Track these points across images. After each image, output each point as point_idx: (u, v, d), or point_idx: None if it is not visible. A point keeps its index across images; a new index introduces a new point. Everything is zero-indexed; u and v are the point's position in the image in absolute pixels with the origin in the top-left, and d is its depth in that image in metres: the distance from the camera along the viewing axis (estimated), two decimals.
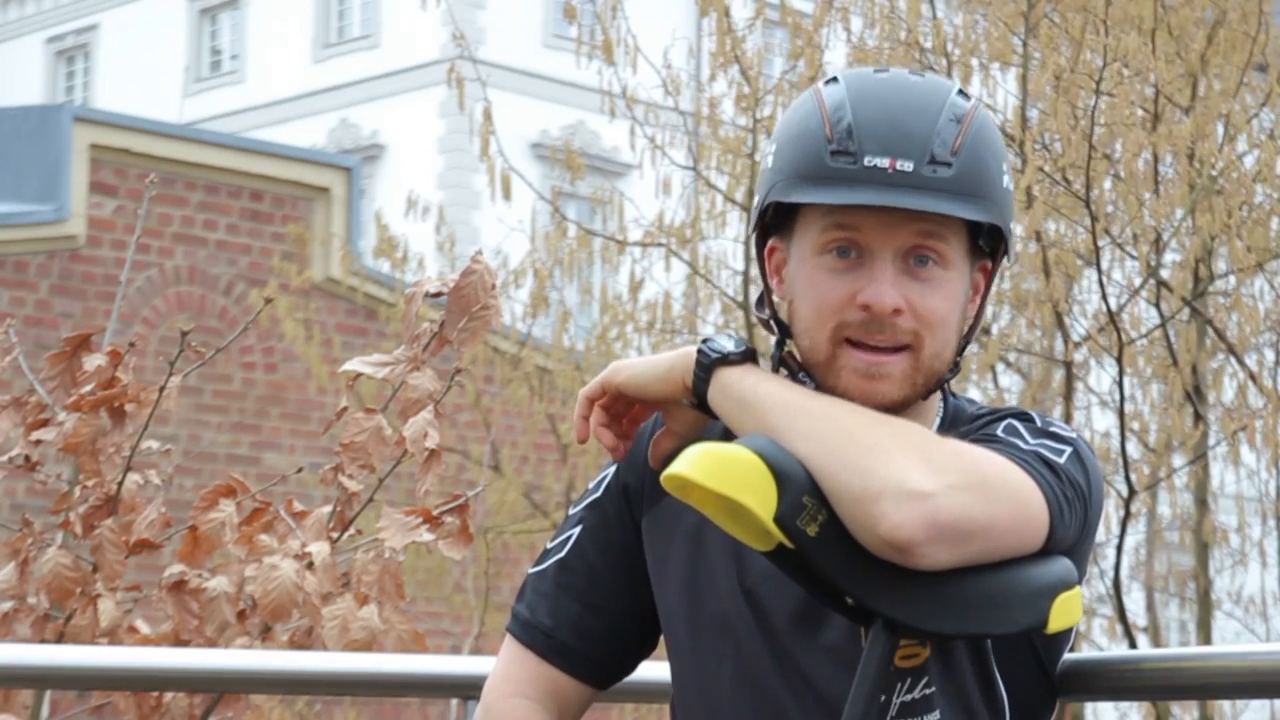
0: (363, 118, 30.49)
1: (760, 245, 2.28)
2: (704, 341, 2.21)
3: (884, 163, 2.13)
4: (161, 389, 4.01)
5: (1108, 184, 8.95)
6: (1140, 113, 8.88)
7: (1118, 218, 9.02)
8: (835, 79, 2.22)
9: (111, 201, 11.62)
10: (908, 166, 2.13)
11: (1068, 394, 9.04)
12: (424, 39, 27.96)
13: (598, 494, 2.36)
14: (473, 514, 3.89)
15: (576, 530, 2.36)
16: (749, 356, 2.19)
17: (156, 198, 10.93)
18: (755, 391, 2.14)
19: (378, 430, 3.83)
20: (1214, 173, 8.74)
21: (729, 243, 10.18)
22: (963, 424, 2.25)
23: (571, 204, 15.18)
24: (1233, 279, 9.40)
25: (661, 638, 2.35)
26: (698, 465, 2.02)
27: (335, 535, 3.93)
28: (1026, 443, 2.15)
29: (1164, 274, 9.25)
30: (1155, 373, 9.58)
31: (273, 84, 32.09)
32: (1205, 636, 9.96)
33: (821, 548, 2.03)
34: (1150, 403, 10.02)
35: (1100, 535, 9.53)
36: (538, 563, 2.37)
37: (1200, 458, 9.50)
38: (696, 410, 2.22)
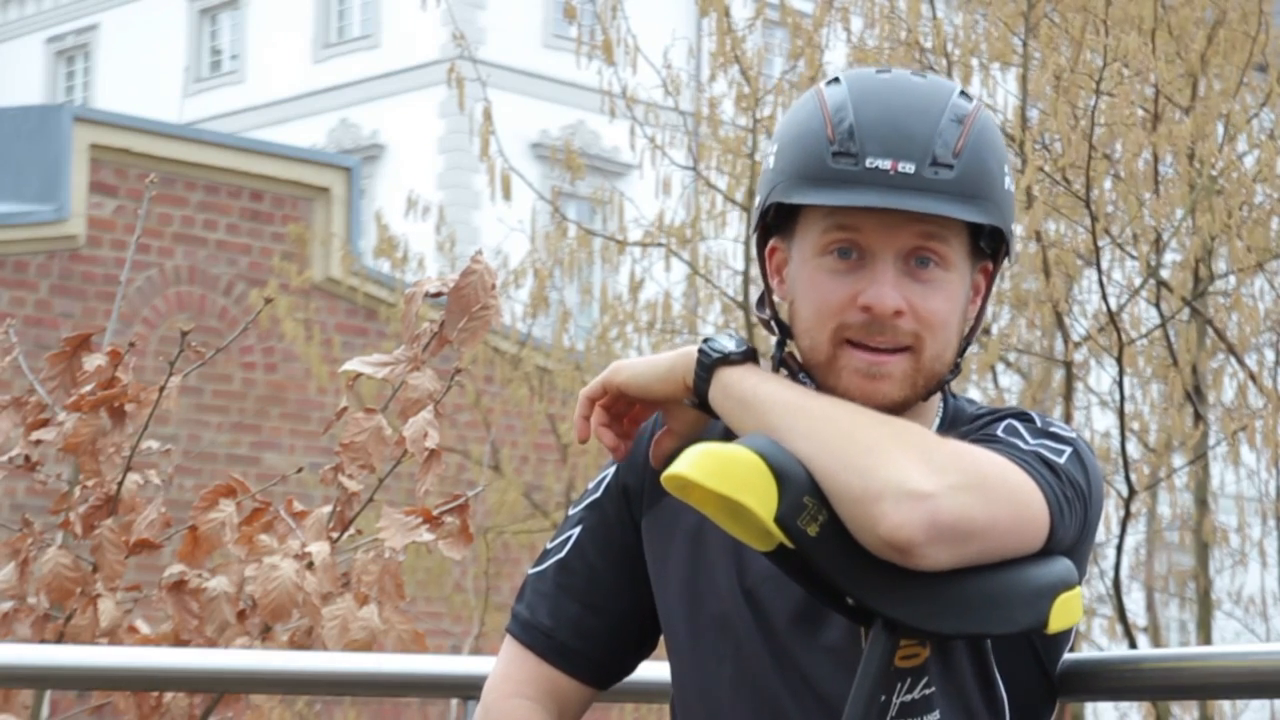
0: (363, 118, 30.49)
1: (761, 245, 2.28)
2: (705, 341, 2.21)
3: (886, 164, 2.13)
4: (161, 389, 4.01)
5: (1108, 184, 8.96)
6: (1140, 113, 8.88)
7: (1118, 218, 9.02)
8: (837, 79, 2.21)
9: (111, 201, 11.62)
10: (909, 168, 2.13)
11: (1068, 394, 9.04)
12: (424, 39, 27.96)
13: (597, 494, 2.36)
14: (473, 514, 3.89)
15: (576, 531, 2.36)
16: (750, 356, 2.19)
17: (156, 198, 10.93)
18: (756, 391, 2.14)
19: (378, 430, 3.83)
20: (1214, 173, 8.74)
21: (729, 243, 10.18)
22: (962, 424, 2.25)
23: (571, 204, 15.18)
24: (1233, 279, 9.40)
25: (661, 638, 2.35)
26: (698, 465, 2.02)
27: (335, 535, 3.93)
28: (1026, 443, 2.15)
29: (1164, 274, 9.25)
30: (1155, 373, 9.58)
31: (273, 84, 32.09)
32: (1205, 636, 9.96)
33: (822, 548, 2.03)
34: (1150, 403, 10.02)
35: (1100, 535, 9.53)
36: (537, 563, 2.37)
37: (1200, 458, 9.50)
38: (697, 410, 2.22)
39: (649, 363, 2.25)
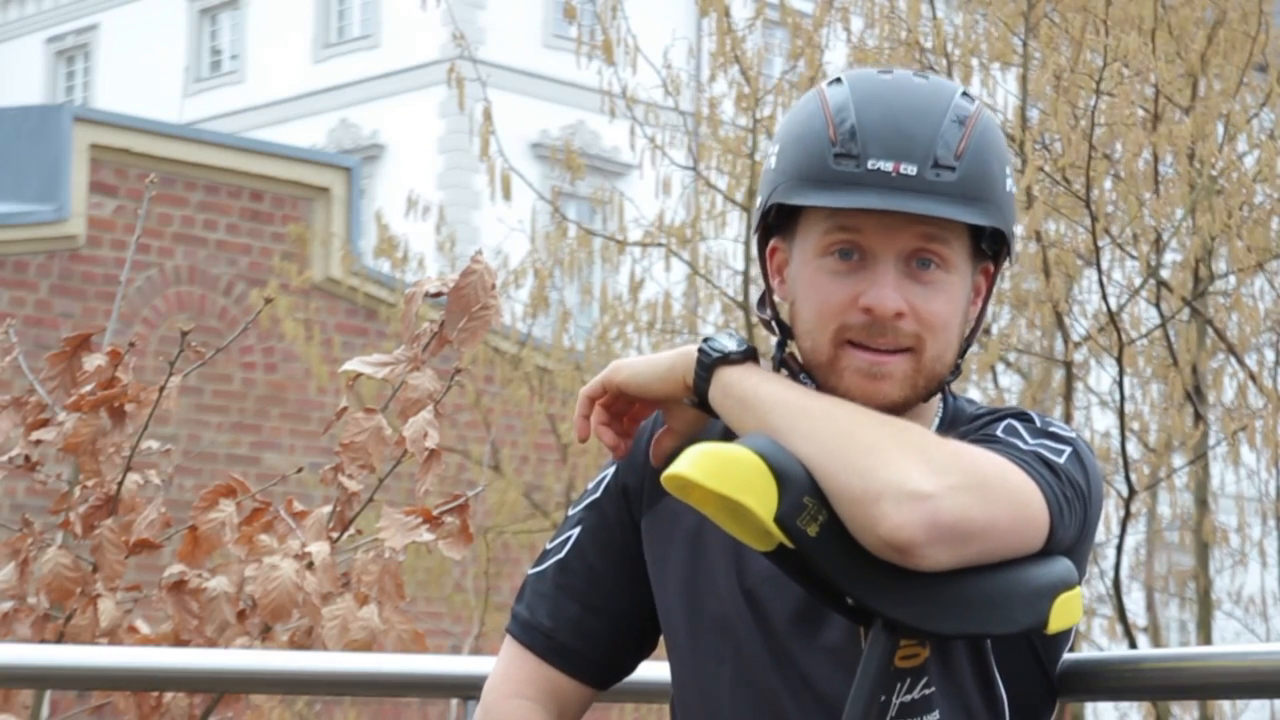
0: (363, 118, 30.49)
1: (762, 245, 2.28)
2: (705, 340, 2.21)
3: (888, 166, 2.13)
4: (161, 389, 4.01)
5: (1108, 184, 8.95)
6: (1140, 113, 8.88)
7: (1118, 218, 9.02)
8: (839, 80, 2.21)
9: (111, 201, 11.62)
10: (911, 170, 2.12)
11: (1068, 394, 9.04)
12: (424, 39, 27.95)
13: (597, 495, 2.36)
14: (473, 514, 3.89)
15: (576, 531, 2.35)
16: (750, 356, 2.19)
17: (156, 198, 10.92)
18: (756, 391, 2.14)
19: (378, 430, 3.83)
20: (1214, 173, 8.74)
21: (729, 243, 10.18)
22: (962, 424, 2.25)
23: (571, 204, 15.18)
24: (1233, 279, 9.40)
25: (661, 638, 2.35)
26: (698, 465, 2.02)
27: (335, 535, 3.93)
28: (1026, 443, 2.15)
29: (1164, 274, 9.25)
30: (1155, 373, 9.58)
31: (273, 84, 32.09)
32: (1205, 636, 9.95)
33: (822, 548, 2.03)
34: (1150, 403, 10.02)
35: (1100, 535, 9.53)
36: (537, 563, 2.37)
37: (1200, 458, 9.50)
38: (697, 409, 2.22)
39: (649, 361, 2.25)
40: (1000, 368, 10.30)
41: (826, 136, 2.15)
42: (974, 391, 10.02)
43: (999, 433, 2.18)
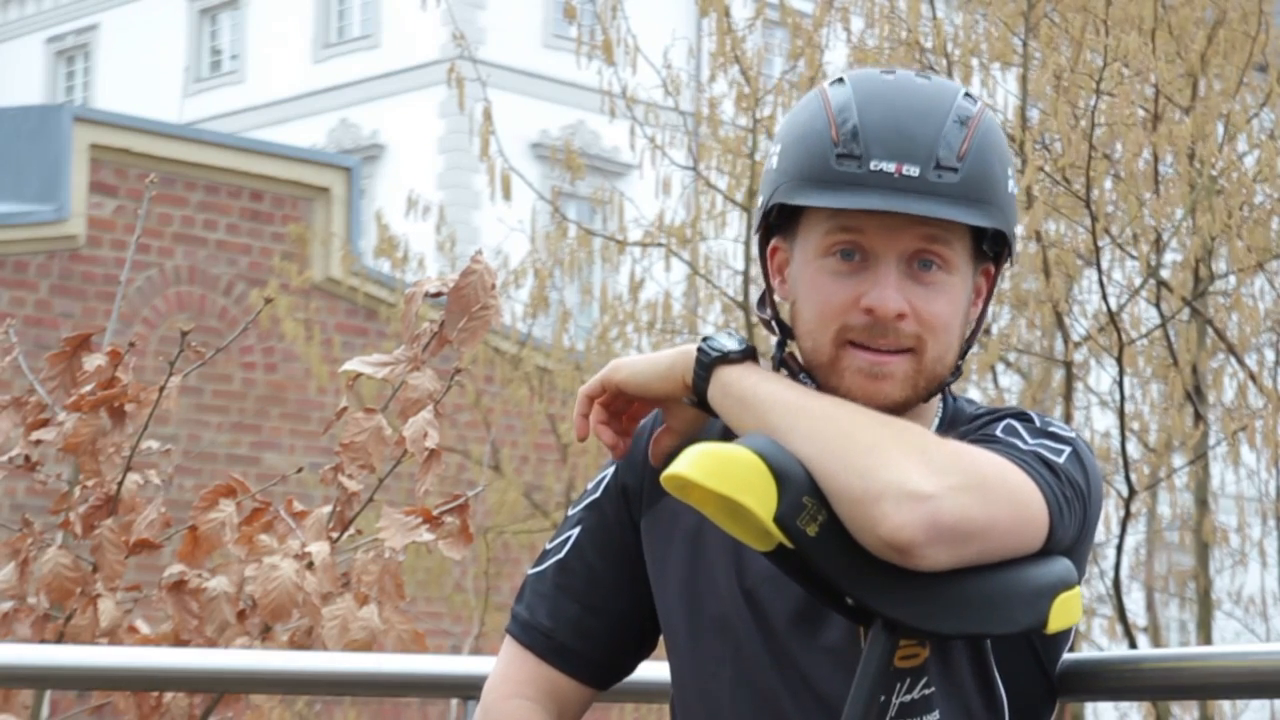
0: (363, 118, 30.49)
1: (763, 245, 2.28)
2: (705, 339, 2.21)
3: (890, 167, 2.12)
4: (161, 389, 4.01)
5: (1108, 184, 8.95)
6: (1140, 113, 8.88)
7: (1118, 218, 9.02)
8: (841, 80, 2.21)
9: (111, 201, 11.62)
10: (914, 171, 2.12)
11: (1068, 394, 9.04)
12: (424, 39, 27.96)
13: (596, 495, 2.36)
14: (473, 514, 3.88)
15: (575, 531, 2.35)
16: (750, 355, 2.19)
17: (156, 198, 10.92)
18: (756, 391, 2.14)
19: (378, 430, 3.83)
20: (1214, 173, 8.73)
21: (729, 243, 10.18)
22: (962, 424, 2.25)
23: (571, 204, 15.18)
24: (1233, 279, 9.40)
25: (661, 638, 2.35)
26: (698, 465, 2.01)
27: (335, 535, 3.93)
28: (1026, 443, 2.15)
29: (1164, 274, 9.25)
30: (1155, 373, 9.58)
31: (273, 84, 32.09)
32: (1205, 636, 9.95)
33: (821, 548, 2.03)
34: (1150, 403, 10.02)
35: (1100, 535, 9.53)
36: (537, 564, 2.37)
37: (1200, 458, 9.50)
38: (696, 408, 2.22)
39: (648, 360, 2.25)
40: (1000, 368, 10.30)
41: (829, 137, 2.15)
42: (974, 391, 10.02)
43: (999, 433, 2.18)
